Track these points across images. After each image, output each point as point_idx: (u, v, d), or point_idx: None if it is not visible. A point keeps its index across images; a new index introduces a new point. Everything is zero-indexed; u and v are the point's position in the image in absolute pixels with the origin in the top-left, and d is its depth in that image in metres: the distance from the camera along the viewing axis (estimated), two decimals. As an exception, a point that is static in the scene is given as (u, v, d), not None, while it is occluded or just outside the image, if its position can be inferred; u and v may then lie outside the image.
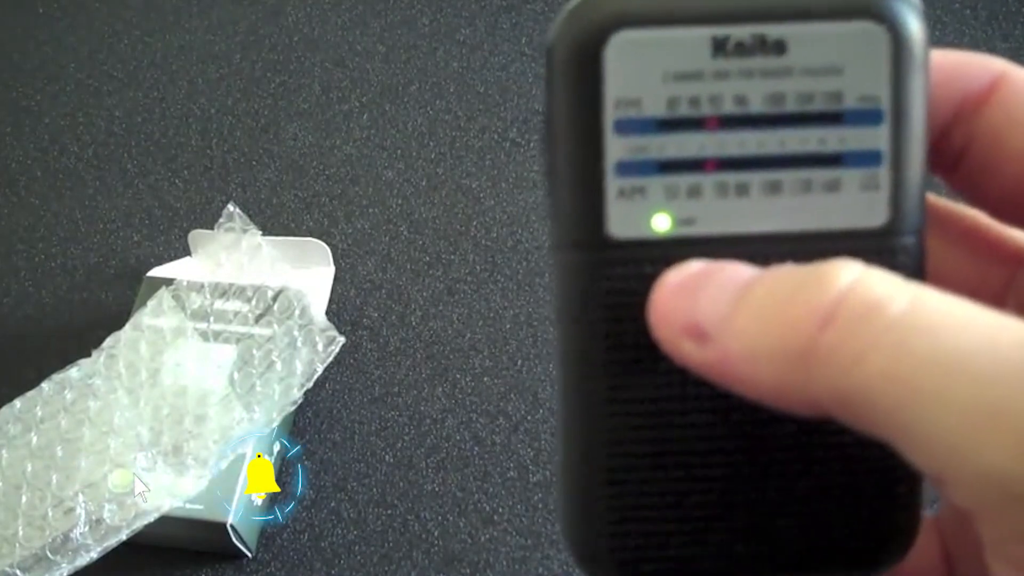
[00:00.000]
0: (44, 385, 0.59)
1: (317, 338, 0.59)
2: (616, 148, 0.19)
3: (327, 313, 0.63)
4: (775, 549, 0.20)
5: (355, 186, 0.69)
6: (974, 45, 0.70)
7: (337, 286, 0.65)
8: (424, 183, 0.69)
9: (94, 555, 0.52)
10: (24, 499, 0.55)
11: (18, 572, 0.53)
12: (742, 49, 0.19)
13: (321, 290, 0.64)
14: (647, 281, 0.19)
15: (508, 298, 0.63)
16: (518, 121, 0.71)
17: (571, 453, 0.20)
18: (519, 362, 0.61)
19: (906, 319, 0.16)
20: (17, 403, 0.59)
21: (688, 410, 0.20)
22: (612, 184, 0.19)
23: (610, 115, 0.19)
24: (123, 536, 0.53)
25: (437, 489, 0.57)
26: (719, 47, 0.19)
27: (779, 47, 0.19)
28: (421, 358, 0.62)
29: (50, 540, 0.53)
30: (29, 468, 0.56)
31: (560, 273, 0.20)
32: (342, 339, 0.58)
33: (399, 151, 0.71)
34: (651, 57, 0.19)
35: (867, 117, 0.19)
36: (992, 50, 0.70)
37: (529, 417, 0.59)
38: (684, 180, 0.19)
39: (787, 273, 0.18)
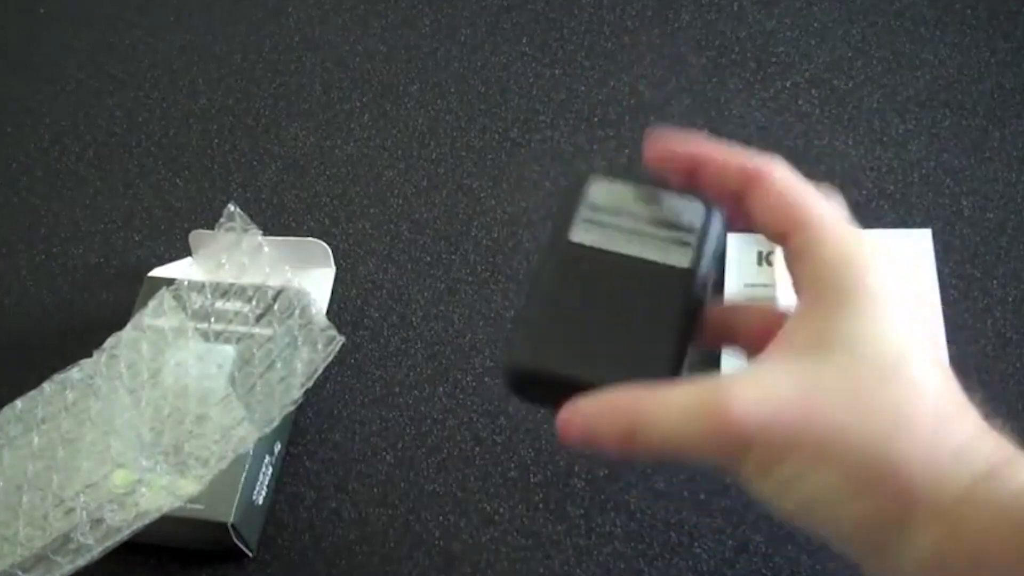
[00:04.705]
0: (45, 385, 0.59)
1: (317, 338, 0.59)
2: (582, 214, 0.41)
3: (328, 313, 0.63)
4: None
5: (356, 186, 0.69)
6: (974, 45, 0.70)
7: (338, 286, 0.65)
8: (425, 183, 0.69)
9: (95, 555, 0.52)
10: (25, 499, 0.55)
11: (19, 572, 0.53)
12: (643, 196, 0.41)
13: (322, 290, 0.64)
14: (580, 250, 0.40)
15: (509, 298, 0.63)
16: (519, 121, 0.71)
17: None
18: (520, 362, 0.61)
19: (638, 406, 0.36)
20: (18, 403, 0.59)
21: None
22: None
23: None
24: (124, 536, 0.53)
25: (438, 489, 0.57)
26: (636, 195, 0.41)
27: (656, 199, 0.41)
28: (422, 358, 0.62)
29: (51, 540, 0.53)
30: (30, 468, 0.56)
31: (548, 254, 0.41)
32: (342, 339, 0.59)
33: (400, 151, 0.71)
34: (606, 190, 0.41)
35: (688, 231, 0.40)
36: (993, 50, 0.70)
37: (530, 417, 0.59)
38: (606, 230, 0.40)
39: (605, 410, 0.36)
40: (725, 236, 0.41)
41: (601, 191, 0.40)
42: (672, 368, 0.37)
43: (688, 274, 0.39)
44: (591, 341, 0.37)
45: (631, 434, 0.34)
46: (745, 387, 0.33)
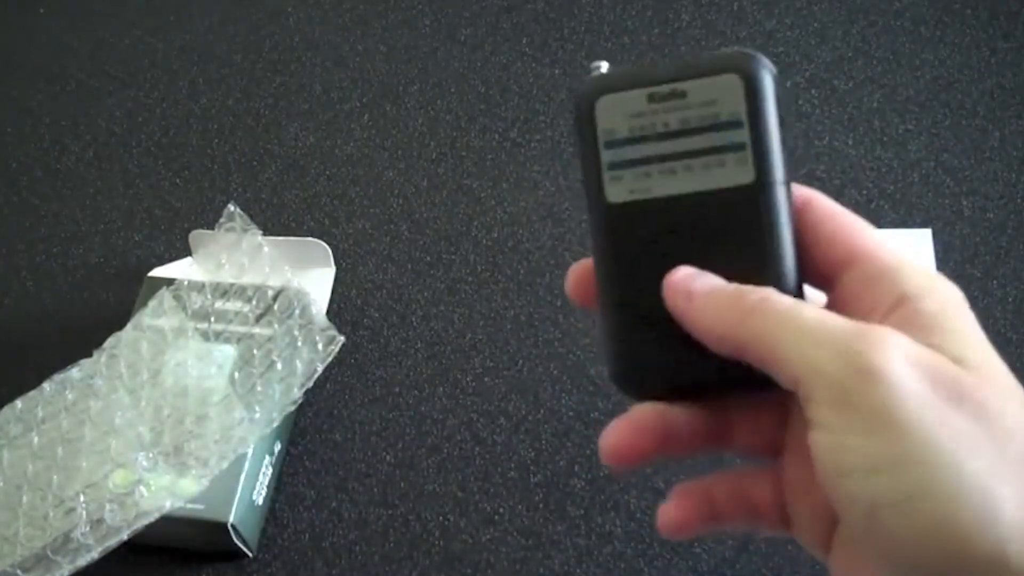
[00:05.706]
0: (45, 385, 0.59)
1: (317, 338, 0.59)
2: (606, 157, 0.34)
3: (328, 313, 0.63)
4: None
5: (356, 186, 0.69)
6: (974, 45, 0.70)
7: (338, 286, 0.65)
8: (425, 183, 0.69)
9: (95, 555, 0.52)
10: (25, 499, 0.55)
11: (19, 572, 0.53)
12: (662, 97, 0.34)
13: (322, 290, 0.64)
14: (629, 220, 0.34)
15: (509, 298, 0.63)
16: (519, 121, 0.71)
17: (607, 315, 0.34)
18: (520, 362, 0.61)
19: (766, 303, 0.31)
20: (18, 403, 0.59)
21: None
22: (606, 175, 0.34)
23: (602, 140, 0.34)
24: (124, 536, 0.53)
25: (438, 489, 0.57)
26: (651, 98, 0.34)
27: (682, 94, 0.33)
28: (422, 358, 0.62)
29: (51, 540, 0.53)
30: (30, 468, 0.56)
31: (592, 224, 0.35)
32: (342, 339, 0.59)
33: (400, 151, 0.71)
34: (617, 107, 0.34)
35: (734, 125, 0.33)
36: (993, 50, 0.70)
37: (530, 417, 0.59)
38: (641, 170, 0.34)
39: (726, 290, 0.32)
40: (780, 86, 0.33)
41: (612, 113, 0.34)
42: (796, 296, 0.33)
43: (757, 188, 0.32)
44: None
45: (741, 325, 0.31)
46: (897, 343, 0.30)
